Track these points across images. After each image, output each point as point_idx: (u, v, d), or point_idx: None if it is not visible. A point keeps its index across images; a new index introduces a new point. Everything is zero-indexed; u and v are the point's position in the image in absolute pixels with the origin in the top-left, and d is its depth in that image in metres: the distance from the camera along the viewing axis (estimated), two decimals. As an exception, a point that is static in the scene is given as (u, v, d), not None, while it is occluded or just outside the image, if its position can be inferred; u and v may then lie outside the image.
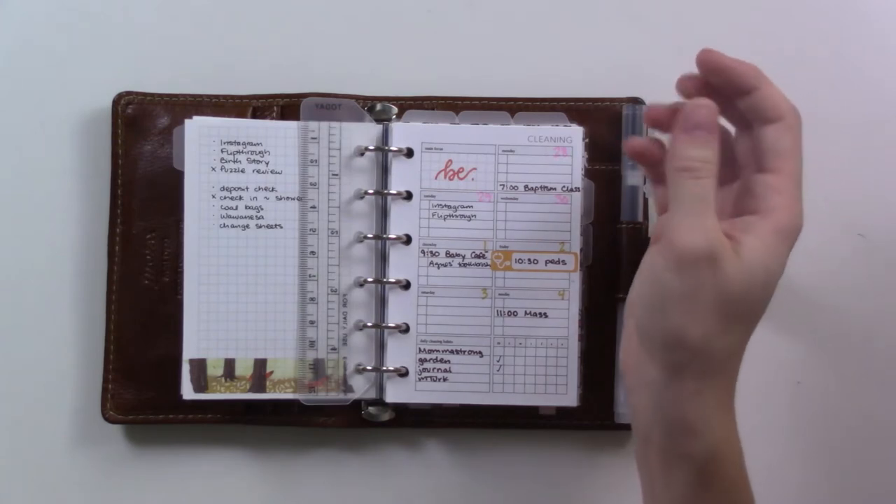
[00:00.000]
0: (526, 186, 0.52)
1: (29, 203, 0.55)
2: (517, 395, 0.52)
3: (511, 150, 0.52)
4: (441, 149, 0.52)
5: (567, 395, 0.52)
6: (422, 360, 0.52)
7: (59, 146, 0.55)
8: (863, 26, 0.56)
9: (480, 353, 0.52)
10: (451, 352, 0.52)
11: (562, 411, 0.53)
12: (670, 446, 0.41)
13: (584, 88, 0.54)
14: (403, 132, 0.53)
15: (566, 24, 0.56)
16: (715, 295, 0.39)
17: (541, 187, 0.52)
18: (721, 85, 0.42)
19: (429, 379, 0.52)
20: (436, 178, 0.52)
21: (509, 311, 0.52)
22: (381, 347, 0.53)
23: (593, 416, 0.53)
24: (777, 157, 0.41)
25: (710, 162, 0.40)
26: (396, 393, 0.53)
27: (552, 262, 0.52)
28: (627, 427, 0.53)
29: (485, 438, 0.55)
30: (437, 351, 0.52)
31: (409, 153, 0.52)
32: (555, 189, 0.52)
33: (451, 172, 0.52)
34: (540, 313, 0.52)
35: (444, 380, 0.52)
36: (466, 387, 0.52)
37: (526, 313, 0.52)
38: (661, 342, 0.41)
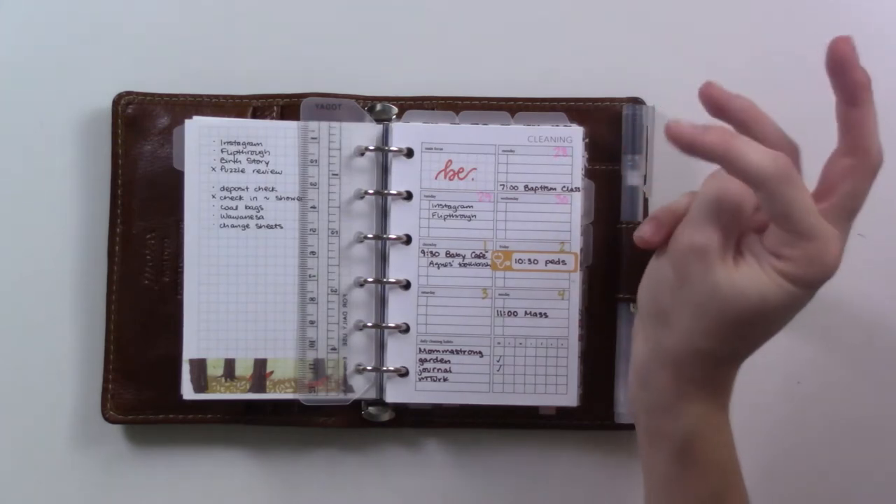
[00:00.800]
0: (526, 186, 0.52)
1: (29, 203, 0.55)
2: (517, 395, 0.52)
3: (511, 150, 0.52)
4: (441, 149, 0.52)
5: (567, 395, 0.52)
6: (422, 360, 0.52)
7: (59, 146, 0.55)
8: (862, 26, 0.56)
9: (480, 353, 0.52)
10: (451, 352, 0.52)
11: (562, 411, 0.53)
12: (650, 424, 0.43)
13: (584, 88, 0.54)
14: (403, 132, 0.53)
15: (566, 24, 0.56)
16: (701, 292, 0.40)
17: (541, 187, 0.52)
18: (837, 84, 0.39)
19: (429, 379, 0.52)
20: (436, 178, 0.52)
21: (509, 311, 0.52)
22: (381, 347, 0.53)
23: (593, 416, 0.53)
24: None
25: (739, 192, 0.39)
26: (396, 393, 0.53)
27: (552, 262, 0.52)
28: (627, 427, 0.53)
29: (485, 438, 0.55)
30: (438, 351, 0.52)
31: (409, 153, 0.52)
32: (555, 189, 0.52)
33: (451, 172, 0.52)
34: (540, 313, 0.52)
35: (445, 380, 0.52)
36: (466, 387, 0.52)
37: (526, 313, 0.52)
38: (648, 315, 0.43)
